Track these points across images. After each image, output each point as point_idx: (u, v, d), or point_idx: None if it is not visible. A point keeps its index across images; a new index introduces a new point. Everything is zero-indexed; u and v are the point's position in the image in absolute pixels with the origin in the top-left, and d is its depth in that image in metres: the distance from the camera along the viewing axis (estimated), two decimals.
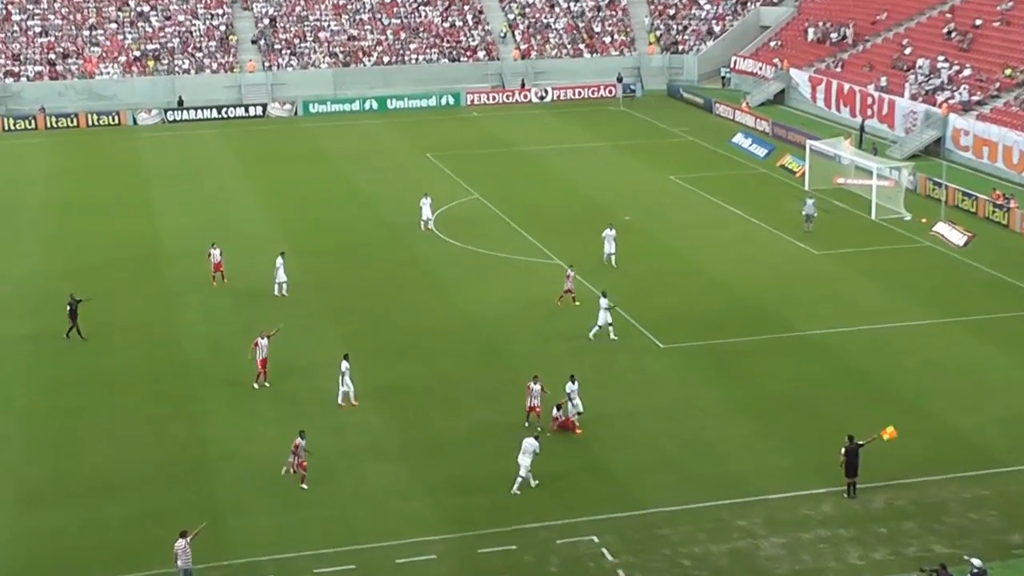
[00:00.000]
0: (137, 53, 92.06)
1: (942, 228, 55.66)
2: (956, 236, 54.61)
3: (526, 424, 35.75)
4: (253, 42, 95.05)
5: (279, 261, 48.17)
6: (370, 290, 49.27)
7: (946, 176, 60.90)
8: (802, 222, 56.25)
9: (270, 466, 34.11)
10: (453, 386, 39.67)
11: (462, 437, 36.07)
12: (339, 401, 37.99)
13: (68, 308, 43.99)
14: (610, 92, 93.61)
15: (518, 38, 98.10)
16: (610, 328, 42.92)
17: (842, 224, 57.98)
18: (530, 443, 32.62)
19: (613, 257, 50.35)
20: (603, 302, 42.94)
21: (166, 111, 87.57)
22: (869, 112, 76.55)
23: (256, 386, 39.10)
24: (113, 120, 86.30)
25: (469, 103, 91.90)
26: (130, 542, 30.67)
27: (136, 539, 30.77)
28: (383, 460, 34.60)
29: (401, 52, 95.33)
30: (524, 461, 32.41)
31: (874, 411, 36.67)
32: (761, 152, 73.15)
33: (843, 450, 31.99)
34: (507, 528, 30.70)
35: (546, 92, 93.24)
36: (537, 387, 36.00)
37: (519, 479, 32.44)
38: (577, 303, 46.23)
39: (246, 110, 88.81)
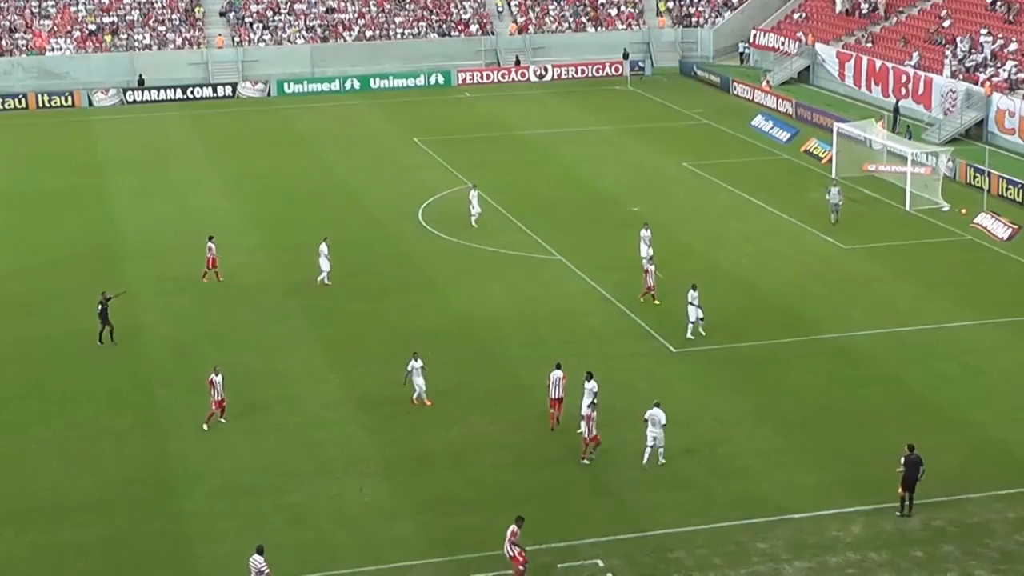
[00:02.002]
0: (92, 26, 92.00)
1: (984, 220, 55.75)
2: (1000, 228, 54.70)
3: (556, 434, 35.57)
4: (221, 14, 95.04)
5: (323, 248, 48.66)
6: (353, 289, 49.25)
7: (989, 162, 60.98)
8: (829, 213, 56.36)
9: (241, 484, 34.20)
10: (444, 395, 39.63)
11: (453, 451, 36.11)
12: (413, 399, 38.57)
13: (99, 308, 43.42)
14: (616, 70, 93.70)
15: (515, 10, 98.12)
16: (691, 324, 43.39)
17: (873, 216, 58.09)
18: (657, 414, 34.16)
19: (646, 261, 49.99)
20: (691, 295, 43.13)
21: (125, 91, 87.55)
22: (903, 92, 76.63)
23: (206, 427, 37.51)
24: (66, 101, 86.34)
25: (461, 82, 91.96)
26: (87, 570, 30.66)
27: (93, 566, 30.76)
28: (365, 477, 34.63)
29: (385, 26, 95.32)
30: (656, 432, 34.22)
31: (910, 422, 36.81)
32: (783, 136, 73.26)
33: (902, 459, 32.09)
34: (501, 551, 30.74)
35: (546, 70, 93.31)
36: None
37: (661, 450, 34.36)
38: (642, 300, 46.72)
39: (214, 90, 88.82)
